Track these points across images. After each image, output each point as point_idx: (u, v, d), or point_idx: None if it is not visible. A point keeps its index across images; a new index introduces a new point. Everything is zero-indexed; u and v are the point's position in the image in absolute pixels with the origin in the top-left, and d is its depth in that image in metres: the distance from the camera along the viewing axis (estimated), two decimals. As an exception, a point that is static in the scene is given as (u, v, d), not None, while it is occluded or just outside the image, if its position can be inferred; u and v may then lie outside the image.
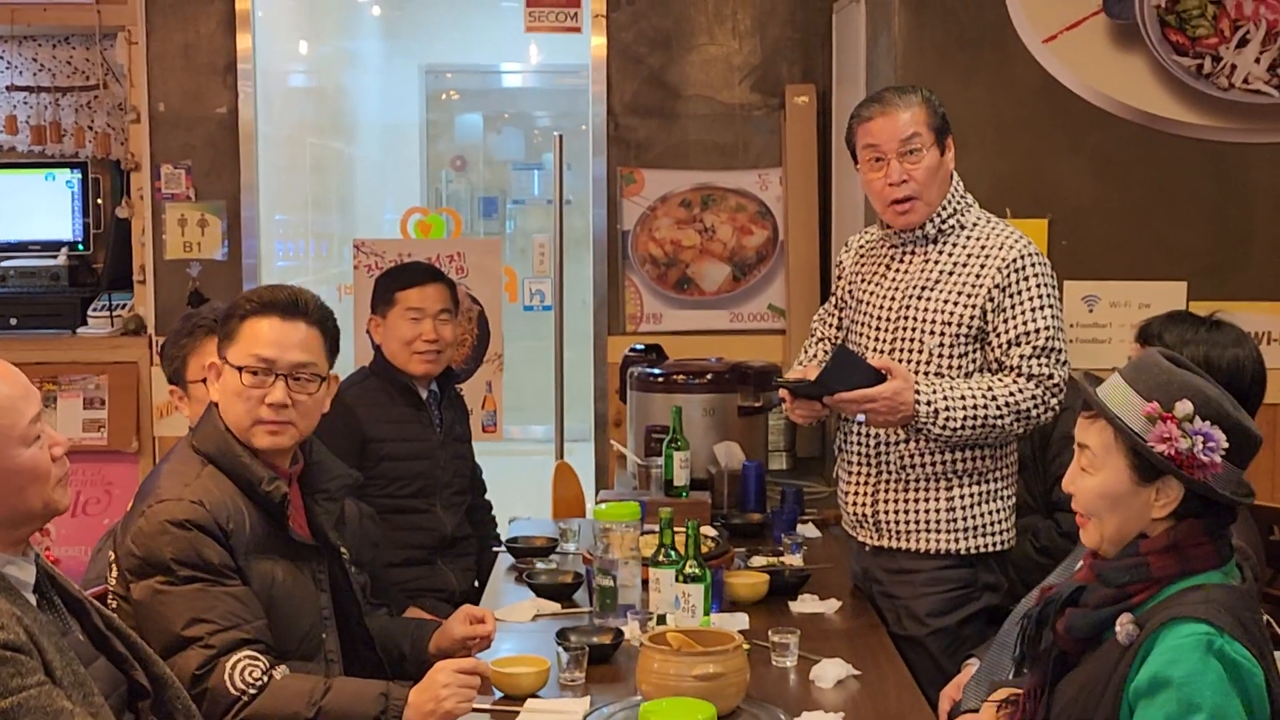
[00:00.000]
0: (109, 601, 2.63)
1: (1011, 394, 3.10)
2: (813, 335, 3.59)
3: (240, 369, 2.69)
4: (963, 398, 3.09)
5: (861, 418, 3.16)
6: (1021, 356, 3.12)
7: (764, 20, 5.47)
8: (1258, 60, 4.32)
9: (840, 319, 3.49)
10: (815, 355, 3.51)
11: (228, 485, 2.66)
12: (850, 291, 3.42)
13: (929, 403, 3.08)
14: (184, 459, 2.71)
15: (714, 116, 5.50)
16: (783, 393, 3.30)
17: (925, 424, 3.09)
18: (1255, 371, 2.93)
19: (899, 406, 3.06)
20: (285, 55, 6.99)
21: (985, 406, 3.09)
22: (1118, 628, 2.19)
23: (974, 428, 3.10)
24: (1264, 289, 4.41)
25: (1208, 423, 2.18)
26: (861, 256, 3.42)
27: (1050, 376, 3.13)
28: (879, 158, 3.20)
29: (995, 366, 3.18)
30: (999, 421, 3.11)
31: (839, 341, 3.43)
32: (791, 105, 5.38)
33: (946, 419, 3.08)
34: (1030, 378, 3.12)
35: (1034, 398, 3.11)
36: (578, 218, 6.61)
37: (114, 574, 2.64)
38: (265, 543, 2.67)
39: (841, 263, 3.49)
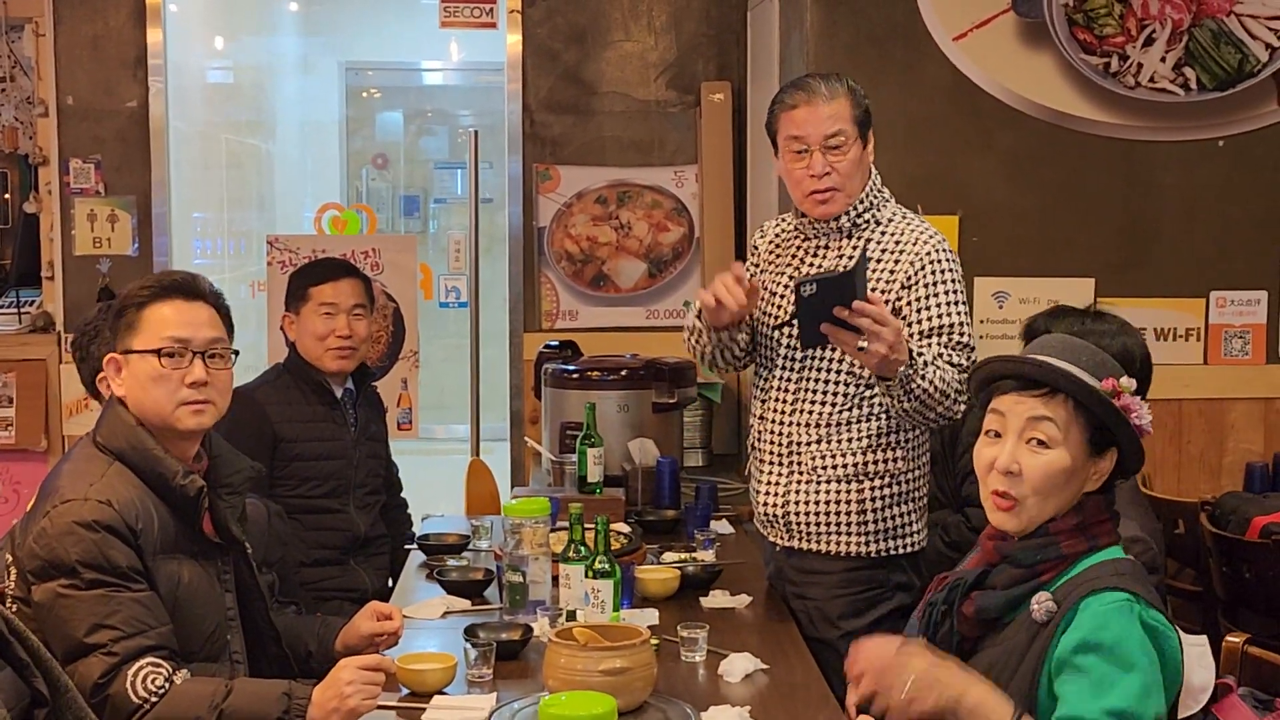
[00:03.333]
0: (8, 604, 2.58)
1: (953, 376, 3.07)
2: None
3: (157, 353, 2.66)
4: (935, 359, 3.04)
5: (863, 343, 2.89)
6: (942, 345, 3.11)
7: (679, 17, 5.48)
8: (1163, 59, 4.38)
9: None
10: None
11: (135, 483, 2.62)
12: (764, 283, 3.37)
13: (919, 354, 2.99)
14: (88, 457, 2.66)
15: (630, 113, 5.50)
16: (723, 290, 3.13)
17: (914, 372, 2.96)
18: (1143, 357, 3.01)
19: (899, 345, 2.93)
20: (201, 50, 6.92)
21: (948, 379, 3.03)
22: (1034, 605, 2.23)
23: (939, 397, 3.01)
24: (1170, 285, 4.48)
25: (1135, 382, 2.30)
26: (776, 246, 3.38)
27: (965, 369, 3.12)
28: (803, 149, 3.16)
29: None
30: (945, 398, 3.03)
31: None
32: (707, 102, 5.39)
33: (931, 374, 2.98)
34: (956, 368, 3.10)
35: (956, 383, 3.08)
36: (498, 216, 6.59)
37: (12, 576, 2.59)
38: (172, 542, 2.64)
39: (756, 247, 3.44)
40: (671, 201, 5.51)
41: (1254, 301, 4.48)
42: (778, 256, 3.36)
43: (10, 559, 2.61)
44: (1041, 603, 2.22)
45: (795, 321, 3.00)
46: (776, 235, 3.40)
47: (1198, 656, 2.35)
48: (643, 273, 5.53)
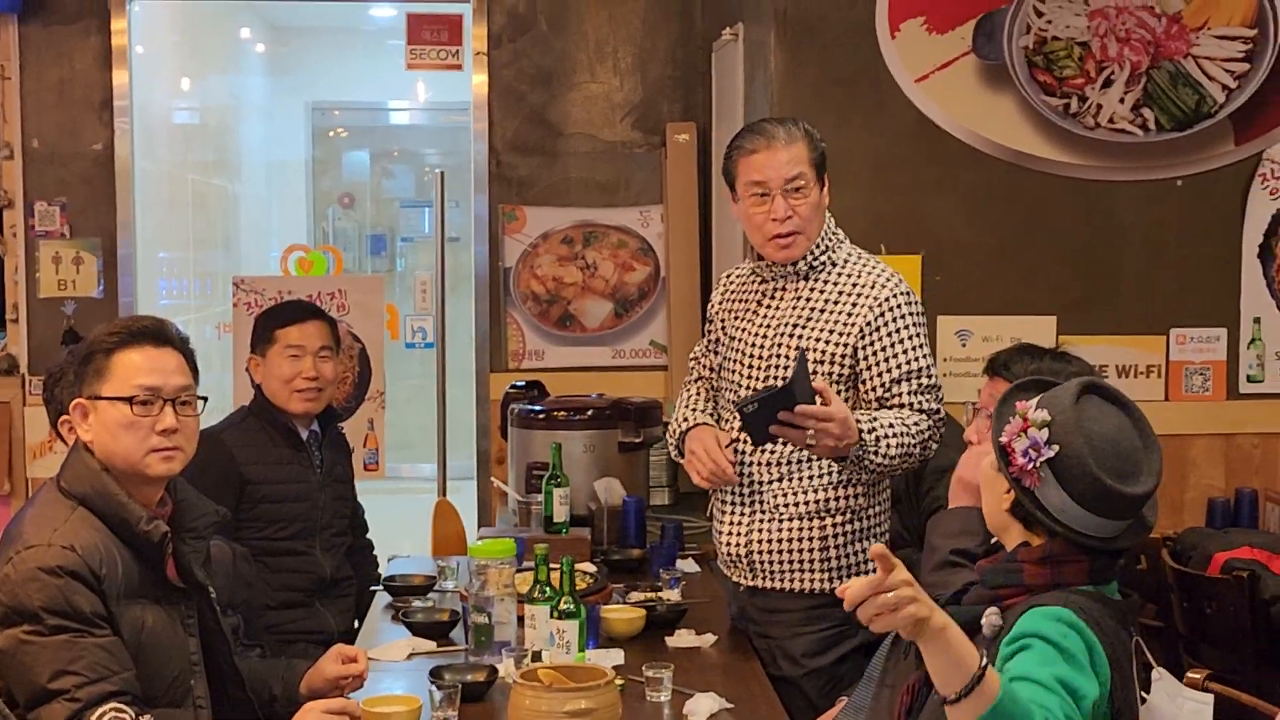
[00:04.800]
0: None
1: (918, 426, 3.11)
2: (690, 375, 3.57)
3: (128, 400, 2.66)
4: (890, 425, 3.06)
5: (811, 440, 2.98)
6: (910, 393, 3.13)
7: (645, 59, 5.52)
8: (1122, 100, 4.43)
9: (715, 360, 3.47)
10: (698, 394, 3.48)
11: (100, 528, 2.61)
12: (723, 328, 3.40)
13: (871, 430, 3.03)
14: (52, 502, 2.65)
15: (595, 154, 5.52)
16: (702, 446, 3.24)
17: (866, 451, 3.02)
18: None
19: (848, 430, 2.98)
20: (167, 91, 6.93)
21: (908, 436, 3.07)
22: (983, 620, 2.27)
23: (900, 458, 3.07)
24: (1131, 323, 4.52)
25: (1052, 444, 2.27)
26: (732, 293, 3.41)
27: (937, 411, 3.16)
28: (764, 193, 3.17)
29: (875, 405, 3.17)
30: (914, 452, 3.09)
31: (721, 377, 3.40)
32: (672, 143, 5.42)
33: (885, 446, 3.03)
34: (923, 412, 3.13)
35: (928, 431, 3.13)
36: (465, 254, 6.60)
37: (-27, 622, 2.58)
38: (136, 587, 2.63)
39: (716, 307, 3.47)
40: (637, 241, 5.54)
41: (1214, 338, 4.53)
42: (735, 301, 3.39)
43: (-28, 605, 2.59)
44: (990, 617, 2.27)
45: (741, 431, 3.07)
46: (733, 282, 3.43)
47: (1193, 713, 2.37)
48: (609, 312, 5.55)
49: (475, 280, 5.56)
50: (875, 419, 3.06)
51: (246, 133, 8.71)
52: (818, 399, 2.95)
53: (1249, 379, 4.55)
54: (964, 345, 4.47)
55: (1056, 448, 2.26)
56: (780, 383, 3.13)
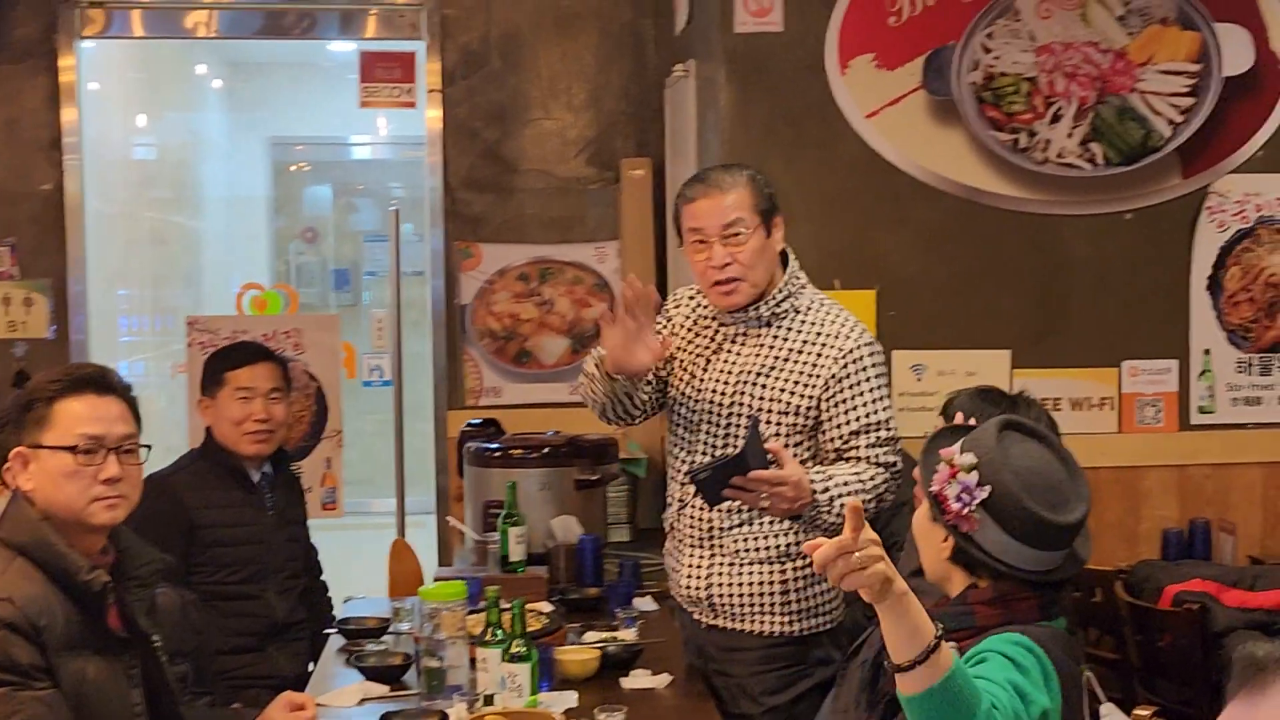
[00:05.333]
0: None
1: (874, 480, 3.10)
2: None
3: (71, 449, 2.64)
4: (845, 483, 3.05)
5: (765, 503, 2.99)
6: (868, 446, 3.13)
7: (598, 95, 5.53)
8: (1070, 135, 4.47)
9: (664, 375, 3.37)
10: None
11: (39, 578, 2.58)
12: (680, 361, 3.34)
13: (825, 490, 3.02)
14: (-10, 553, 2.63)
15: (550, 190, 5.52)
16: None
17: (821, 511, 3.02)
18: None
19: (801, 492, 2.98)
20: (124, 129, 6.90)
21: (863, 492, 3.07)
22: None
23: None
24: (1084, 355, 4.54)
25: (983, 484, 2.28)
26: (694, 324, 3.35)
27: (895, 464, 3.15)
28: (702, 240, 3.16)
29: (833, 456, 3.16)
30: (870, 506, 3.08)
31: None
32: (627, 178, 5.43)
33: (839, 505, 3.02)
34: (880, 465, 3.13)
35: (885, 483, 3.12)
36: (424, 287, 6.59)
37: (-88, 673, 2.55)
38: (77, 638, 2.60)
39: (671, 317, 3.40)
40: (593, 277, 5.54)
41: (1165, 370, 4.56)
42: (697, 335, 3.33)
43: (-89, 657, 2.56)
44: None
45: (695, 495, 3.08)
46: (695, 311, 3.37)
47: None
48: (565, 348, 5.54)
49: (432, 317, 5.55)
50: (830, 478, 3.05)
51: (206, 169, 8.68)
52: (772, 460, 2.95)
53: (1200, 410, 4.58)
54: (919, 380, 4.48)
55: (989, 488, 2.28)
56: (738, 443, 3.12)
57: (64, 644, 2.56)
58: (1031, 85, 4.44)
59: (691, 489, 3.25)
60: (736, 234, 3.14)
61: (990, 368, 4.44)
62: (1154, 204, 4.53)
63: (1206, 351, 4.57)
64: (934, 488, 2.35)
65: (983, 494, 2.29)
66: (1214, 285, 4.56)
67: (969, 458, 2.31)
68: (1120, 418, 4.54)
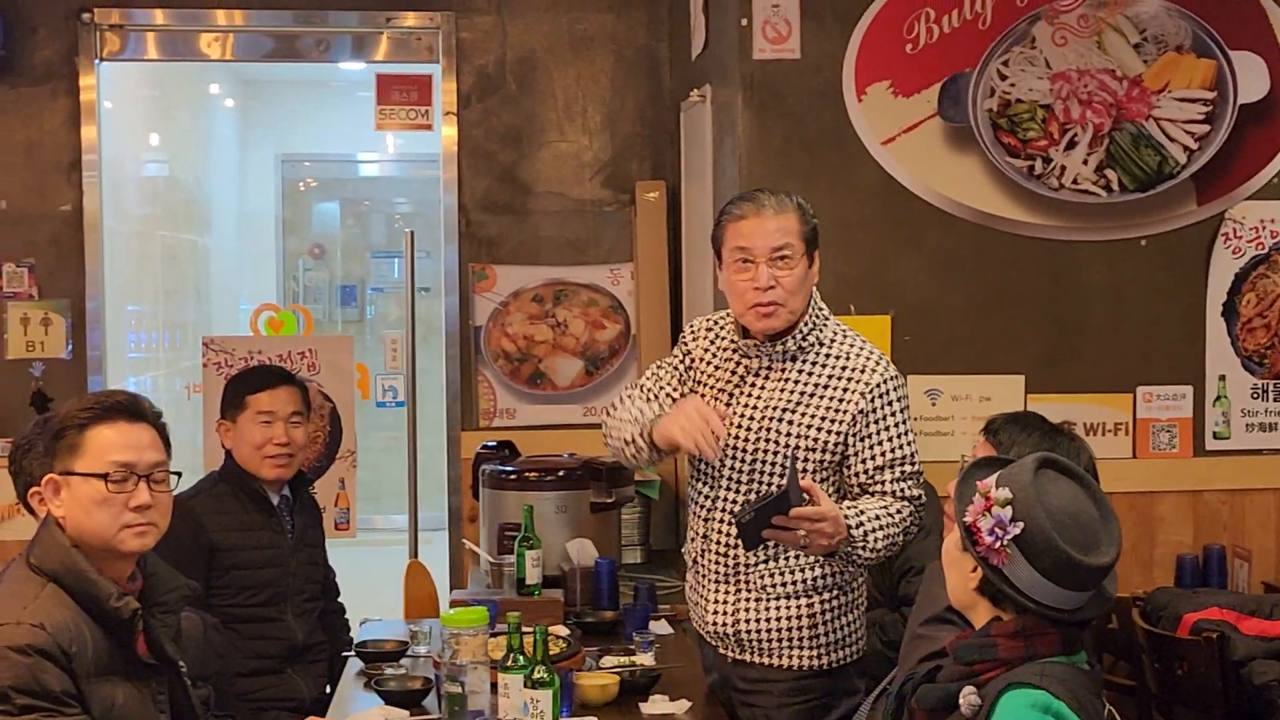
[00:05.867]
0: (-64, 729, 2.55)
1: (900, 514, 3.11)
2: (640, 388, 3.38)
3: (104, 477, 2.66)
4: (876, 518, 3.06)
5: (804, 541, 2.97)
6: (894, 480, 3.13)
7: (614, 117, 5.56)
8: (1085, 162, 4.48)
9: (683, 395, 3.32)
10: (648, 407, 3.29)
11: (69, 605, 2.60)
12: (700, 395, 3.29)
13: (858, 525, 3.02)
14: (21, 579, 2.65)
15: (565, 212, 5.55)
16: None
17: (854, 547, 3.03)
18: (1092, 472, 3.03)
19: (839, 529, 2.98)
20: (137, 147, 6.93)
21: (892, 526, 3.07)
22: (961, 700, 2.30)
23: (885, 548, 3.07)
24: (1098, 381, 4.55)
25: (1016, 520, 2.29)
26: (714, 357, 3.32)
27: (919, 497, 3.16)
28: (748, 260, 3.12)
29: (857, 490, 3.16)
30: (898, 541, 3.09)
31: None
32: (642, 201, 5.45)
33: (873, 540, 3.04)
34: (905, 499, 3.13)
35: (909, 518, 3.13)
36: (435, 304, 6.61)
37: (-59, 699, 2.56)
38: (106, 664, 2.62)
39: (689, 347, 3.37)
40: (608, 299, 5.56)
41: (1180, 396, 4.57)
42: (717, 369, 3.30)
43: (-60, 683, 2.58)
44: (967, 696, 2.30)
45: (735, 538, 3.09)
46: (714, 344, 3.33)
47: None
48: (580, 370, 5.56)
49: (446, 338, 5.57)
50: (862, 513, 3.05)
51: (216, 186, 8.71)
52: (807, 499, 2.94)
53: (1215, 436, 4.59)
54: (934, 404, 4.49)
55: (1021, 525, 2.29)
56: (775, 487, 3.12)
57: (94, 670, 2.58)
58: (1047, 112, 4.46)
59: (715, 524, 3.26)
60: (785, 257, 3.11)
61: (1004, 393, 4.45)
62: (1169, 230, 4.54)
63: (1221, 377, 4.58)
64: (967, 519, 2.36)
65: (1015, 530, 2.30)
66: (1229, 311, 4.57)
67: (1004, 493, 2.32)
68: (1135, 443, 4.55)
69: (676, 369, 3.38)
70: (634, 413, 3.26)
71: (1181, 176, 4.51)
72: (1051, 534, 2.28)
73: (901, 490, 3.14)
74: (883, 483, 3.14)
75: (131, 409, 2.74)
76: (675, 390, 3.34)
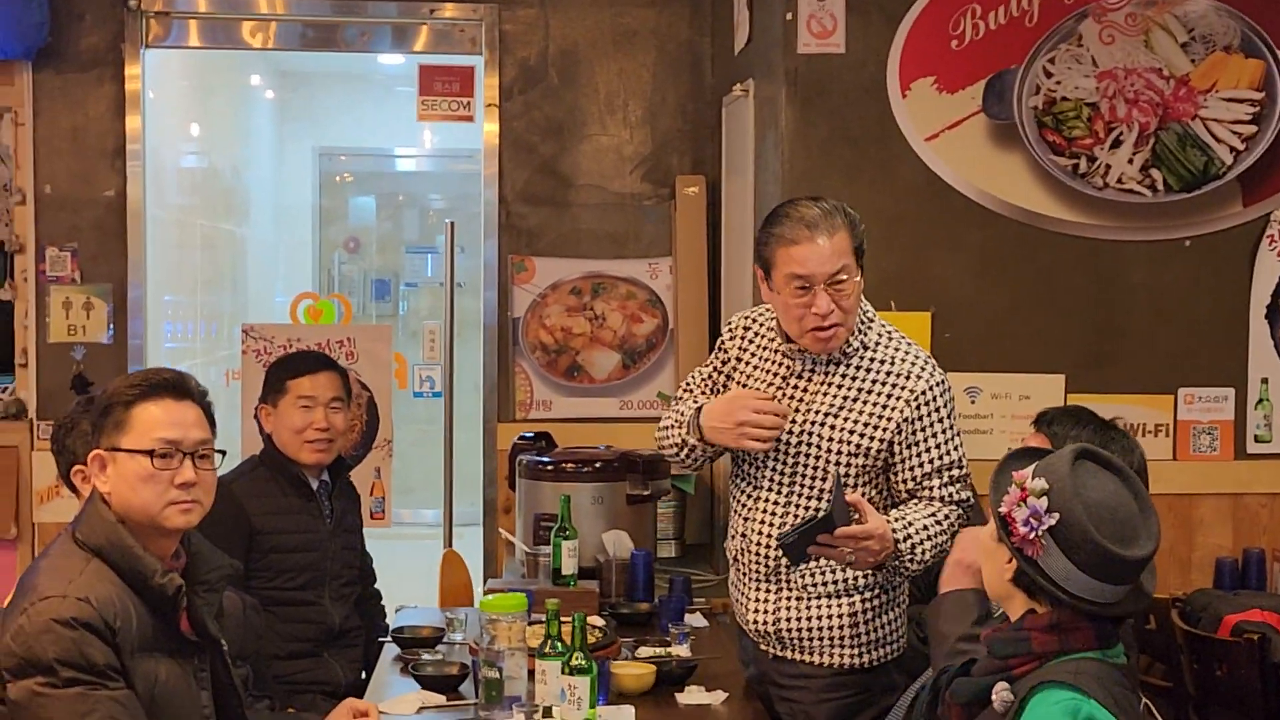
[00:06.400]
0: (-19, 700, 2.57)
1: (948, 519, 3.10)
2: (678, 399, 3.44)
3: (149, 453, 2.67)
4: (925, 528, 3.05)
5: (850, 558, 2.98)
6: (942, 485, 3.12)
7: (655, 111, 5.56)
8: (1130, 161, 4.46)
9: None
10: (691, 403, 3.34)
11: (114, 580, 2.61)
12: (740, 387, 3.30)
13: (906, 538, 3.01)
14: (67, 553, 2.66)
15: (605, 206, 5.55)
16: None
17: (904, 560, 3.03)
18: (1141, 471, 3.02)
19: (886, 544, 2.97)
20: (177, 136, 6.96)
21: (940, 534, 3.07)
22: (994, 695, 2.30)
23: (933, 557, 3.06)
24: (1139, 382, 4.53)
25: (1051, 511, 2.27)
26: (754, 355, 3.30)
27: (968, 500, 3.15)
28: (805, 286, 3.06)
29: (905, 495, 3.15)
30: (946, 547, 3.06)
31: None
32: (682, 195, 5.45)
33: (920, 552, 3.04)
34: (954, 504, 3.12)
35: (958, 521, 3.11)
36: (471, 300, 6.63)
37: (-13, 672, 2.58)
38: (150, 640, 2.63)
39: (726, 347, 3.36)
40: (646, 293, 5.56)
41: (1222, 398, 4.54)
42: (756, 369, 3.28)
43: (-15, 655, 2.60)
44: (1000, 693, 2.30)
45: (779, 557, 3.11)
46: (753, 342, 3.32)
47: None
48: (617, 364, 5.56)
49: (484, 330, 5.58)
50: (909, 524, 3.04)
51: (255, 177, 8.75)
52: (855, 515, 2.93)
53: (1256, 439, 4.56)
54: (973, 402, 4.48)
55: (1057, 516, 2.28)
56: (815, 490, 3.14)
57: (138, 645, 2.59)
58: (1093, 110, 4.44)
59: (755, 524, 3.26)
60: (841, 281, 3.06)
61: (1045, 392, 4.43)
62: (1214, 231, 4.51)
63: (1264, 380, 4.54)
64: (1002, 509, 2.35)
65: (1050, 521, 2.29)
66: (1273, 314, 4.54)
67: (1040, 483, 2.31)
68: (1175, 445, 4.53)
69: (710, 377, 3.40)
70: (677, 414, 3.31)
71: (1227, 177, 4.48)
72: (1087, 526, 2.27)
73: (950, 495, 3.13)
74: (931, 488, 3.13)
75: (178, 386, 2.75)
76: (707, 398, 3.35)
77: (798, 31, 4.39)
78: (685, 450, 3.31)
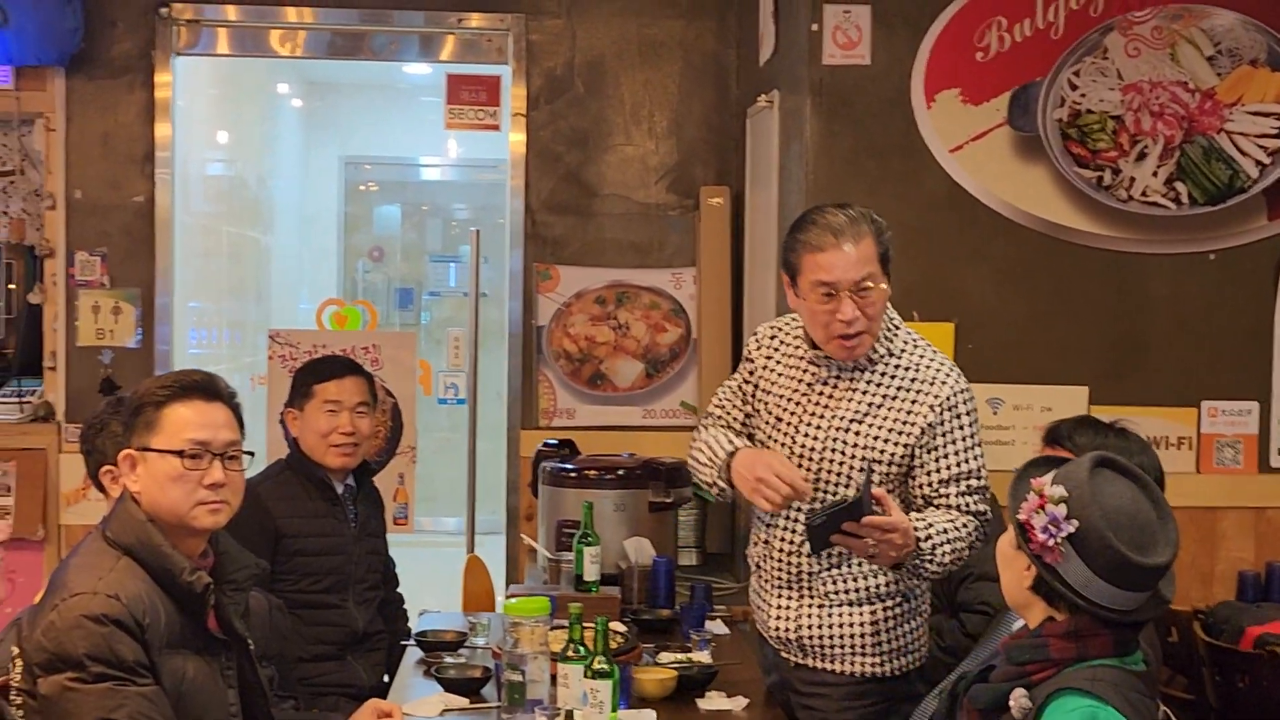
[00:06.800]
0: (11, 697, 2.60)
1: (966, 528, 3.09)
2: (710, 416, 3.45)
3: (179, 453, 2.70)
4: (944, 531, 3.04)
5: (873, 550, 2.96)
6: (959, 494, 3.11)
7: (680, 122, 5.59)
8: (1155, 174, 4.47)
9: (747, 415, 3.37)
10: (725, 432, 3.34)
11: (143, 578, 2.65)
12: (767, 404, 3.30)
13: (927, 537, 3.01)
14: (97, 551, 2.69)
15: (630, 215, 5.58)
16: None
17: (921, 560, 3.02)
18: (1157, 479, 3.02)
19: (909, 540, 2.96)
20: (204, 144, 7.01)
21: (959, 541, 3.06)
22: (1011, 702, 2.31)
23: (951, 562, 3.06)
24: (1162, 394, 4.52)
25: (1070, 518, 2.28)
26: (779, 362, 3.31)
27: (984, 513, 3.14)
28: (831, 293, 3.06)
29: (921, 503, 3.15)
30: (963, 555, 3.08)
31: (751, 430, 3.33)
32: (706, 206, 5.48)
33: (940, 554, 3.03)
34: (970, 514, 3.12)
35: (975, 533, 3.11)
36: (494, 310, 6.66)
37: (17, 668, 2.61)
38: (178, 637, 2.66)
39: (752, 357, 3.37)
40: (669, 303, 5.58)
41: (1245, 412, 4.54)
42: (781, 375, 3.29)
43: (16, 651, 2.63)
44: (1018, 699, 2.31)
45: (802, 542, 3.11)
46: (779, 350, 3.33)
47: None
48: (640, 373, 5.58)
49: (509, 337, 5.61)
50: (930, 525, 3.04)
51: (280, 185, 8.80)
52: (878, 508, 2.93)
53: (1280, 453, 4.57)
54: (995, 413, 4.48)
55: (1076, 523, 2.29)
56: (841, 497, 3.12)
57: (166, 642, 2.62)
58: (1117, 123, 4.45)
59: (778, 530, 3.27)
60: (867, 288, 3.07)
61: (1067, 404, 4.43)
62: (1238, 245, 4.51)
63: (1288, 394, 4.55)
64: (1021, 516, 2.37)
65: (1070, 528, 2.30)
66: (1298, 328, 4.55)
67: (1059, 490, 2.32)
68: (1198, 458, 4.53)
69: (740, 389, 3.40)
70: (710, 452, 3.28)
71: (1253, 191, 4.49)
72: (1106, 532, 2.28)
73: (966, 505, 3.11)
74: (947, 496, 3.12)
75: (208, 388, 2.78)
76: (740, 415, 3.38)
77: (823, 43, 4.41)
78: (715, 488, 3.32)
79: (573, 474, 4.53)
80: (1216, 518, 4.53)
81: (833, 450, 3.17)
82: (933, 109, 4.45)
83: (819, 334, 3.16)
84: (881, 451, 3.14)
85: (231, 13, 5.59)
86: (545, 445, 4.96)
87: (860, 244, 3.08)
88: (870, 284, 3.08)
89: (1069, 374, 4.51)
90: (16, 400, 5.45)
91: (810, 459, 3.20)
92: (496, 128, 5.63)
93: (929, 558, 3.03)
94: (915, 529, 3.00)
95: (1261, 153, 4.48)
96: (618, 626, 3.61)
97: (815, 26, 4.42)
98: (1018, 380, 4.50)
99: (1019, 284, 4.51)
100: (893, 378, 3.18)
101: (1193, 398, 4.54)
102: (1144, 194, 4.47)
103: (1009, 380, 4.50)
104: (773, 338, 3.37)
